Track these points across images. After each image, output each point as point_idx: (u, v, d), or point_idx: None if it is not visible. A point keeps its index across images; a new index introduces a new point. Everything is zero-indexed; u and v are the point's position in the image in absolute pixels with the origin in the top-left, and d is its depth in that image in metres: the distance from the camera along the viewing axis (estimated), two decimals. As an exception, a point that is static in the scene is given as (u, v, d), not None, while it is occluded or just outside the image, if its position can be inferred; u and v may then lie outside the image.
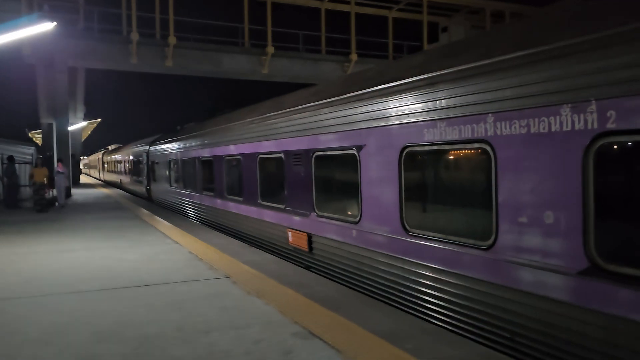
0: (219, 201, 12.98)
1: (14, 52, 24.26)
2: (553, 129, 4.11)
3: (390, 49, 31.50)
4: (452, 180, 5.59)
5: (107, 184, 42.15)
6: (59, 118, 25.54)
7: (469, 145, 5.02)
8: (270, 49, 27.92)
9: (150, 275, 7.69)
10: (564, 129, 4.02)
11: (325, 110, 7.56)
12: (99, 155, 55.82)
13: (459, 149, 5.18)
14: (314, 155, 7.96)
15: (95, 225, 13.83)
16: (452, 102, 5.13)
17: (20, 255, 9.41)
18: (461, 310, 5.13)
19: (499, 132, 4.63)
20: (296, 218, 8.67)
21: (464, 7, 31.97)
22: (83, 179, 54.27)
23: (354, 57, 29.91)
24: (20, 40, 23.27)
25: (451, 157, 5.45)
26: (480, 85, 4.79)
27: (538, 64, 4.22)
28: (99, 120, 47.89)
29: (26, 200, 22.39)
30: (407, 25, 33.10)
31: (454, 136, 5.13)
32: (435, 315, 5.53)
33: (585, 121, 3.86)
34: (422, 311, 5.72)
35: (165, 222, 14.10)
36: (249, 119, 10.77)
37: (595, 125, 3.78)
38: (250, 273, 7.74)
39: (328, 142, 7.55)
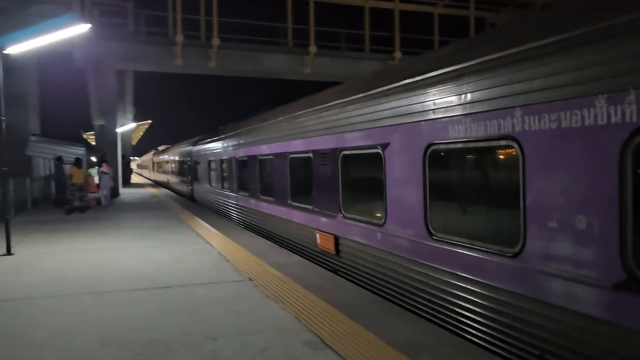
0: (252, 201, 12.86)
1: (68, 56, 25.15)
2: (587, 123, 3.64)
3: (436, 47, 30.69)
4: (478, 180, 5.15)
5: (157, 184, 43.24)
6: (108, 119, 26.28)
7: (495, 143, 4.58)
8: (313, 48, 27.71)
9: (173, 276, 7.60)
10: (599, 122, 3.54)
11: (351, 107, 7.24)
12: (150, 155, 57.46)
13: (485, 147, 4.74)
14: (341, 155, 7.65)
15: (132, 225, 14.03)
16: (476, 95, 4.71)
17: (52, 254, 9.57)
18: (486, 322, 4.70)
19: (526, 128, 4.18)
20: (323, 219, 8.38)
21: (511, 1, 30.73)
22: (135, 179, 56.04)
23: (397, 55, 29.30)
24: (71, 45, 24.21)
25: (477, 155, 5.01)
26: (506, 76, 4.35)
27: (569, 50, 3.76)
28: (150, 121, 49.30)
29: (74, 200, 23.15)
30: (453, 21, 32.15)
31: (480, 133, 4.70)
32: (459, 325, 5.11)
33: (623, 113, 3.37)
34: (446, 321, 5.30)
35: (202, 222, 14.12)
36: (279, 118, 10.58)
37: (634, 118, 3.30)
38: (274, 276, 7.52)
39: (354, 140, 7.23)
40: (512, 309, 4.37)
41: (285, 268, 8.01)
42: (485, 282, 4.67)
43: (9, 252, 9.59)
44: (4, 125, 9.79)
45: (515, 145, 4.30)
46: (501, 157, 4.72)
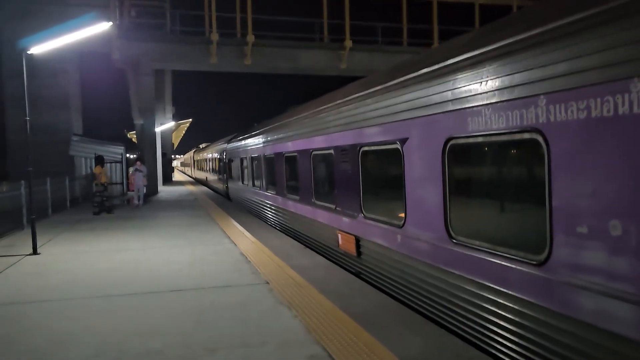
0: (279, 199, 12.58)
1: (108, 57, 25.61)
2: (620, 111, 3.10)
3: (477, 38, 29.51)
4: (502, 179, 4.61)
5: (197, 181, 43.80)
6: (147, 118, 26.63)
7: (517, 136, 4.05)
8: (349, 43, 27.20)
9: (189, 279, 7.37)
10: (635, 110, 3.00)
11: (369, 100, 6.80)
12: (191, 153, 58.38)
13: (507, 141, 4.22)
14: (361, 151, 7.22)
15: (162, 224, 14.01)
16: (497, 83, 4.19)
17: (76, 254, 9.55)
18: (509, 337, 4.19)
19: (552, 118, 3.64)
20: (345, 219, 7.97)
21: (559, -12, 29.26)
22: (178, 177, 57.10)
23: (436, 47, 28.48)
24: (110, 46, 24.64)
25: (499, 150, 4.49)
26: (528, 61, 3.83)
27: (596, 28, 3.21)
28: (190, 120, 49.98)
29: (115, 198, 23.56)
30: (495, 11, 30.87)
31: (501, 125, 4.18)
32: (480, 338, 4.61)
33: (664, 99, 2.83)
34: (468, 332, 4.81)
35: (232, 221, 13.96)
36: (303, 114, 10.22)
37: (678, 104, 2.75)
38: (293, 279, 7.18)
39: (373, 135, 6.78)
40: (537, 324, 3.85)
41: (306, 271, 7.66)
42: (508, 292, 4.16)
43: (35, 251, 9.65)
44: (28, 125, 9.80)
45: (540, 138, 3.77)
46: (524, 152, 4.19)
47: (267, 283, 7.02)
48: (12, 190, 13.69)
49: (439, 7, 28.70)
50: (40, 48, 9.48)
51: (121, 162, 26.79)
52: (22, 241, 11.02)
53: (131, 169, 21.41)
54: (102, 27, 9.53)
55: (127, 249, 10.07)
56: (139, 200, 19.97)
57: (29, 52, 9.49)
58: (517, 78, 3.94)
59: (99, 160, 18.18)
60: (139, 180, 19.98)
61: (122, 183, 26.32)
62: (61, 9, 24.37)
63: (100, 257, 9.19)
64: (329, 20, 27.92)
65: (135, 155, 32.21)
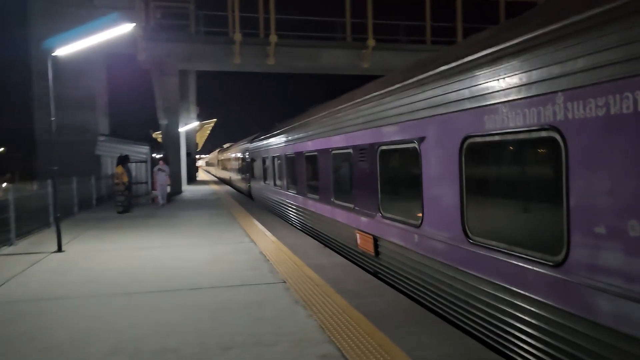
0: (300, 199, 12.59)
1: (134, 57, 26.02)
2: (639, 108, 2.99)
3: (502, 35, 29.04)
4: (518, 178, 4.51)
5: (221, 181, 44.19)
6: (171, 119, 26.98)
7: (535, 134, 3.96)
8: (371, 42, 27.07)
9: (207, 277, 7.43)
10: (654, 107, 2.89)
11: (387, 99, 6.74)
12: (215, 153, 58.92)
13: (525, 139, 4.12)
14: (379, 150, 7.17)
15: (185, 222, 14.17)
16: (514, 80, 4.10)
17: (99, 252, 9.73)
18: (525, 339, 4.10)
19: (570, 116, 3.55)
20: (363, 219, 7.93)
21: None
22: (203, 176, 57.71)
23: (460, 45, 28.11)
24: (136, 47, 25.03)
25: (516, 149, 4.39)
26: (545, 56, 3.73)
27: (614, 22, 3.12)
28: (214, 120, 50.45)
29: (140, 197, 23.93)
30: (521, 7, 30.38)
31: (518, 123, 4.09)
32: (496, 339, 4.52)
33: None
34: (484, 333, 4.73)
35: (253, 220, 14.04)
36: (322, 114, 10.21)
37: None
38: (310, 278, 7.18)
39: (391, 134, 6.72)
40: (554, 327, 3.76)
41: (324, 270, 7.64)
42: (525, 293, 4.07)
43: (60, 249, 9.86)
44: (54, 125, 10.02)
45: (558, 136, 3.67)
46: (542, 150, 4.09)
47: (284, 282, 7.03)
48: (41, 189, 14.03)
49: (463, 4, 28.33)
50: (64, 50, 9.68)
51: (146, 161, 27.21)
52: (48, 239, 11.27)
53: (155, 169, 21.67)
54: (125, 28, 9.70)
55: (149, 247, 10.21)
56: (155, 201, 20.26)
57: (53, 54, 9.70)
58: (534, 75, 3.85)
59: (121, 160, 18.40)
60: (162, 180, 20.21)
61: (147, 182, 26.73)
62: (89, 12, 24.86)
63: (123, 255, 9.33)
64: (351, 19, 27.85)
65: (159, 155, 32.67)
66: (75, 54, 10.48)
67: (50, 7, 25.42)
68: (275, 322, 5.33)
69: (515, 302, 4.21)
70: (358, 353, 4.41)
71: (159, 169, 20.42)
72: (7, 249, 10.34)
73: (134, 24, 9.98)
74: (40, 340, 4.98)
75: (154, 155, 27.51)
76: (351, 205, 8.47)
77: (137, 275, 7.68)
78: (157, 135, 45.75)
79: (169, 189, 26.40)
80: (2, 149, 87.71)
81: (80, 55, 13.93)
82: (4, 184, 11.85)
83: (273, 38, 26.03)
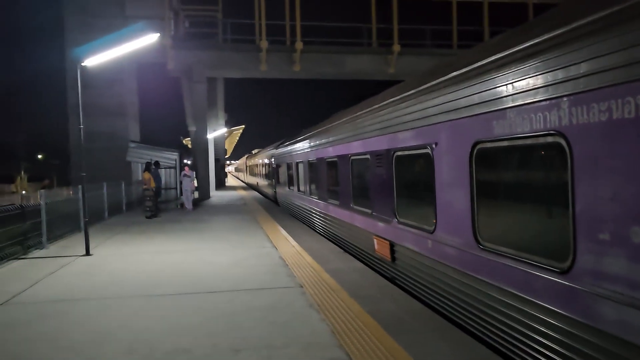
0: (321, 204, 12.66)
1: (164, 66, 26.64)
2: (641, 113, 2.97)
3: (531, 38, 28.55)
4: (526, 184, 4.48)
5: (249, 186, 44.65)
6: (199, 125, 27.47)
7: (541, 140, 3.94)
8: (397, 47, 27.06)
9: (226, 281, 7.56)
10: (655, 112, 2.86)
11: (403, 105, 6.77)
12: (244, 159, 59.57)
13: (531, 144, 4.10)
14: (395, 155, 7.20)
15: (209, 227, 14.40)
16: (521, 85, 4.09)
17: (124, 256, 10.00)
18: (534, 346, 4.06)
19: (574, 121, 3.53)
20: (380, 224, 7.95)
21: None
22: (232, 182, 58.41)
23: (488, 49, 27.77)
24: (165, 55, 25.61)
25: (524, 154, 4.36)
26: (551, 61, 3.72)
27: (619, 25, 3.10)
28: (243, 126, 51.09)
29: (169, 202, 24.41)
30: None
31: (525, 128, 4.08)
32: (506, 346, 4.49)
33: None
34: (496, 340, 4.69)
35: (277, 226, 14.18)
36: (342, 120, 10.28)
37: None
38: (326, 283, 7.23)
39: (406, 140, 6.75)
40: (562, 334, 3.72)
41: (341, 275, 7.69)
42: (533, 300, 4.04)
43: (87, 252, 10.17)
44: (83, 133, 10.36)
45: (563, 141, 3.65)
46: (548, 156, 4.06)
47: (301, 286, 7.10)
48: (73, 194, 14.47)
49: (490, 7, 28.04)
50: (93, 60, 10.00)
51: (175, 167, 27.77)
52: (78, 242, 11.63)
53: (181, 175, 22.07)
54: (152, 38, 9.96)
55: (172, 251, 10.43)
56: (183, 206, 20.67)
57: (83, 64, 10.04)
58: (539, 80, 3.84)
59: (147, 166, 18.78)
60: (187, 186, 20.57)
61: (176, 188, 27.25)
62: (120, 22, 25.58)
63: (147, 259, 9.57)
64: (376, 25, 27.89)
65: (186, 161, 33.24)
66: (107, 64, 10.80)
67: (83, 19, 26.26)
68: (288, 325, 5.40)
69: (525, 309, 4.17)
70: (366, 358, 4.45)
71: (184, 175, 20.81)
72: (39, 252, 10.71)
73: (159, 34, 10.25)
74: (61, 339, 5.18)
75: (184, 161, 28.05)
76: (369, 211, 8.50)
77: (157, 278, 7.87)
78: (188, 142, 46.60)
79: (196, 194, 26.84)
80: (41, 155, 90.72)
81: (112, 65, 14.39)
82: (42, 190, 12.22)
83: (299, 45, 26.29)
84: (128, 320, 5.75)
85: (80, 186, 13.97)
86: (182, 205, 21.35)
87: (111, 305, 6.41)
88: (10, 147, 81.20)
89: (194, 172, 22.02)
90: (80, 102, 10.32)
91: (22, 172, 71.30)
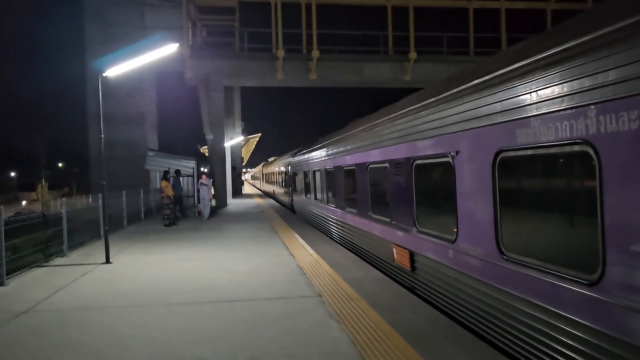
0: (339, 212, 12.63)
1: (182, 75, 26.92)
2: (672, 122, 2.90)
3: (549, 45, 28.25)
4: (552, 193, 4.40)
5: (265, 194, 44.78)
6: (216, 134, 27.65)
7: (567, 149, 3.88)
8: (413, 55, 27.00)
9: (245, 289, 7.56)
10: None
11: (423, 113, 6.73)
12: (260, 167, 59.80)
13: (557, 153, 4.04)
14: (414, 164, 7.15)
15: (227, 235, 14.44)
16: (546, 92, 4.04)
17: (144, 264, 10.06)
18: (560, 359, 3.97)
19: (602, 130, 3.46)
20: (399, 233, 7.89)
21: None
22: (248, 190, 58.65)
23: (505, 56, 27.55)
24: (183, 65, 25.89)
25: (549, 163, 4.29)
26: (577, 68, 3.67)
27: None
28: (259, 134, 51.36)
29: (188, 210, 24.54)
30: (569, 17, 29.55)
31: (550, 137, 4.02)
32: (530, 359, 4.40)
33: None
34: (518, 352, 4.61)
35: (293, 234, 14.17)
36: (360, 128, 10.26)
37: None
38: (345, 292, 7.19)
39: (426, 148, 6.70)
40: (590, 348, 3.63)
41: (359, 284, 7.64)
42: (560, 312, 3.96)
43: (108, 260, 10.26)
44: (103, 141, 10.49)
45: (590, 150, 3.59)
46: (575, 165, 3.99)
47: (320, 295, 7.07)
48: (93, 203, 14.66)
49: (507, 14, 27.87)
50: (114, 70, 10.15)
51: (192, 175, 27.97)
52: (98, 250, 11.74)
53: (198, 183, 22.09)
54: (171, 48, 10.08)
55: (191, 259, 10.48)
56: (201, 215, 20.49)
57: (104, 74, 10.19)
58: (565, 88, 3.79)
59: (165, 175, 18.94)
60: (205, 194, 20.47)
61: (194, 196, 27.42)
62: (139, 33, 25.98)
63: (166, 267, 9.62)
64: (393, 33, 27.88)
65: (203, 169, 33.44)
66: (127, 73, 10.95)
67: (105, 29, 26.70)
68: (307, 334, 5.37)
69: (551, 321, 4.09)
70: (388, 369, 4.40)
71: (202, 183, 20.70)
72: (60, 260, 10.83)
73: (178, 44, 10.37)
74: (83, 346, 5.21)
75: (201, 169, 28.26)
76: (388, 220, 8.45)
77: (177, 286, 7.90)
78: (205, 150, 46.94)
79: (214, 202, 26.97)
80: (61, 164, 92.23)
81: (132, 74, 14.59)
82: (62, 198, 12.40)
83: (315, 53, 26.38)
84: (148, 328, 5.77)
85: (100, 194, 14.18)
86: (199, 213, 21.37)
87: (132, 312, 6.45)
88: (32, 155, 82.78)
89: (211, 180, 21.88)
90: (101, 111, 10.46)
91: (43, 180, 72.45)
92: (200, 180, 21.06)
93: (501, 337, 4.93)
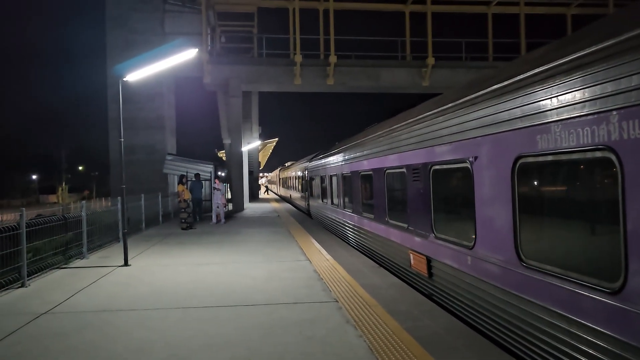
0: (356, 218, 12.60)
1: (201, 80, 27.20)
2: (698, 128, 2.84)
3: (570, 50, 27.93)
4: (573, 200, 4.34)
5: (282, 198, 44.90)
6: (234, 138, 27.84)
7: (589, 155, 3.82)
8: (431, 60, 26.92)
9: (262, 294, 7.57)
10: None
11: (441, 118, 6.69)
12: (277, 171, 60.03)
13: (578, 159, 3.98)
14: (432, 169, 7.11)
15: (244, 239, 14.49)
16: (568, 98, 3.99)
17: (162, 267, 10.14)
18: (583, 371, 3.90)
19: (625, 136, 3.41)
20: (417, 239, 7.84)
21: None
22: (265, 194, 58.89)
23: (525, 61, 27.29)
24: (202, 70, 26.16)
25: (570, 169, 4.23)
26: (600, 73, 3.62)
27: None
28: (276, 139, 51.57)
29: (206, 213, 24.67)
30: (589, 22, 29.19)
31: (571, 143, 3.97)
32: (553, 372, 4.33)
33: None
34: (540, 364, 4.54)
35: (310, 239, 14.16)
36: (377, 133, 10.24)
37: None
38: (362, 298, 7.16)
39: (444, 154, 6.66)
40: (612, 358, 3.56)
41: (377, 290, 7.60)
42: (581, 321, 3.89)
43: (126, 263, 10.37)
44: (123, 145, 10.63)
45: (613, 157, 3.53)
46: (597, 171, 3.93)
47: (336, 301, 7.04)
48: (112, 206, 14.84)
49: (527, 19, 27.62)
50: (134, 75, 10.28)
51: (210, 179, 28.14)
52: (116, 253, 11.89)
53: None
54: (190, 53, 10.17)
55: (208, 263, 10.53)
56: (217, 219, 19.91)
57: (124, 79, 10.33)
58: (587, 93, 3.73)
59: (181, 179, 19.03)
60: (217, 199, 19.98)
61: (210, 200, 27.55)
62: (159, 38, 26.36)
63: (184, 271, 9.68)
64: (411, 38, 27.83)
65: (219, 173, 33.63)
66: (147, 79, 11.09)
67: (126, 36, 27.13)
68: (325, 340, 5.35)
69: (572, 330, 4.03)
70: (405, 376, 4.36)
71: (214, 188, 20.21)
72: (79, 262, 10.98)
73: (197, 49, 10.47)
74: (101, 349, 5.26)
75: (218, 172, 28.42)
76: (405, 225, 8.40)
77: (195, 290, 7.94)
78: (222, 154, 47.26)
79: (230, 206, 27.08)
80: (81, 167, 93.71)
81: (152, 79, 14.79)
82: (82, 201, 12.61)
83: (333, 59, 26.45)
84: (167, 332, 5.80)
85: (119, 197, 14.36)
86: (216, 218, 21.25)
87: (150, 316, 6.49)
88: (53, 159, 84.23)
89: (226, 185, 21.49)
90: (121, 116, 10.60)
91: (64, 184, 73.62)
92: (213, 185, 20.55)
93: (520, 346, 4.87)
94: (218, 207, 19.97)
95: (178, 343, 5.39)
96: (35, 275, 9.35)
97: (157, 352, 5.15)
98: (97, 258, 11.56)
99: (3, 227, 8.51)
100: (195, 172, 23.65)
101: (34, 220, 9.85)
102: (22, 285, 8.50)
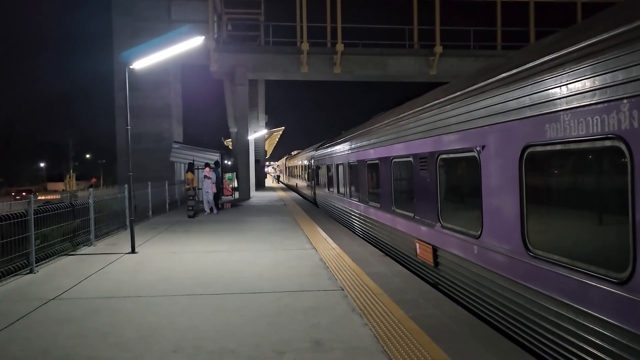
0: (362, 207, 12.60)
1: (207, 68, 27.15)
2: None
3: (579, 38, 27.56)
4: (581, 189, 4.31)
5: (288, 187, 44.94)
6: (240, 127, 27.82)
7: (598, 144, 3.78)
8: (439, 49, 26.68)
9: (269, 282, 7.61)
10: None
11: (448, 107, 6.65)
12: (283, 160, 60.03)
13: (587, 148, 3.95)
14: (439, 158, 7.08)
15: (250, 228, 14.54)
16: (577, 86, 3.94)
17: (169, 254, 10.20)
18: (587, 359, 3.90)
19: (635, 125, 3.37)
20: (423, 228, 7.83)
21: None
22: (272, 183, 58.98)
23: (533, 50, 26.99)
24: (208, 58, 26.09)
25: (579, 159, 4.20)
26: (610, 61, 3.57)
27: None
28: (283, 128, 51.44)
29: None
30: (601, 9, 28.79)
31: (580, 132, 3.93)
32: (557, 358, 4.33)
33: None
34: (544, 351, 4.54)
35: (316, 227, 14.19)
36: (384, 122, 10.19)
37: None
38: (368, 286, 7.18)
39: (451, 143, 6.62)
40: (619, 348, 3.56)
41: (382, 279, 7.62)
42: (588, 311, 3.88)
43: (133, 250, 10.44)
44: (129, 133, 10.64)
45: (623, 146, 3.50)
46: (607, 161, 3.89)
47: (342, 289, 7.07)
48: (119, 193, 14.91)
49: (537, 6, 27.27)
50: (140, 63, 10.27)
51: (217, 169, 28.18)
52: (123, 240, 11.96)
53: (229, 175, 21.71)
54: (196, 41, 10.13)
55: (215, 250, 10.59)
56: (211, 210, 18.84)
57: (131, 66, 10.31)
58: (598, 81, 3.69)
59: (191, 167, 19.01)
60: (207, 188, 18.72)
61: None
62: (166, 26, 26.28)
63: (191, 258, 9.74)
64: (419, 27, 27.58)
65: (228, 161, 33.68)
66: (153, 66, 11.06)
67: (132, 23, 27.06)
68: (330, 329, 5.38)
69: (578, 320, 4.02)
70: (411, 364, 4.38)
71: (205, 176, 18.78)
72: (87, 249, 11.07)
73: (204, 37, 10.43)
74: (110, 335, 5.32)
75: (225, 161, 28.50)
76: (411, 214, 8.39)
77: (202, 277, 7.99)
78: (228, 143, 47.27)
79: (236, 194, 27.12)
80: (88, 155, 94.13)
81: (159, 67, 14.74)
82: (90, 188, 12.70)
83: (340, 47, 26.27)
84: (174, 318, 5.85)
85: (126, 185, 14.41)
86: (223, 205, 21.23)
87: (158, 303, 6.55)
88: (60, 147, 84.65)
89: (217, 174, 19.58)
90: (127, 103, 10.60)
91: (71, 171, 74.04)
92: (204, 173, 19.14)
93: (526, 335, 4.87)
94: (208, 198, 18.89)
95: (185, 329, 5.44)
96: (44, 261, 9.43)
97: (165, 337, 5.20)
98: (105, 245, 11.64)
99: (12, 214, 8.57)
100: (205, 160, 23.67)
101: (41, 207, 9.91)
102: (31, 272, 8.59)
